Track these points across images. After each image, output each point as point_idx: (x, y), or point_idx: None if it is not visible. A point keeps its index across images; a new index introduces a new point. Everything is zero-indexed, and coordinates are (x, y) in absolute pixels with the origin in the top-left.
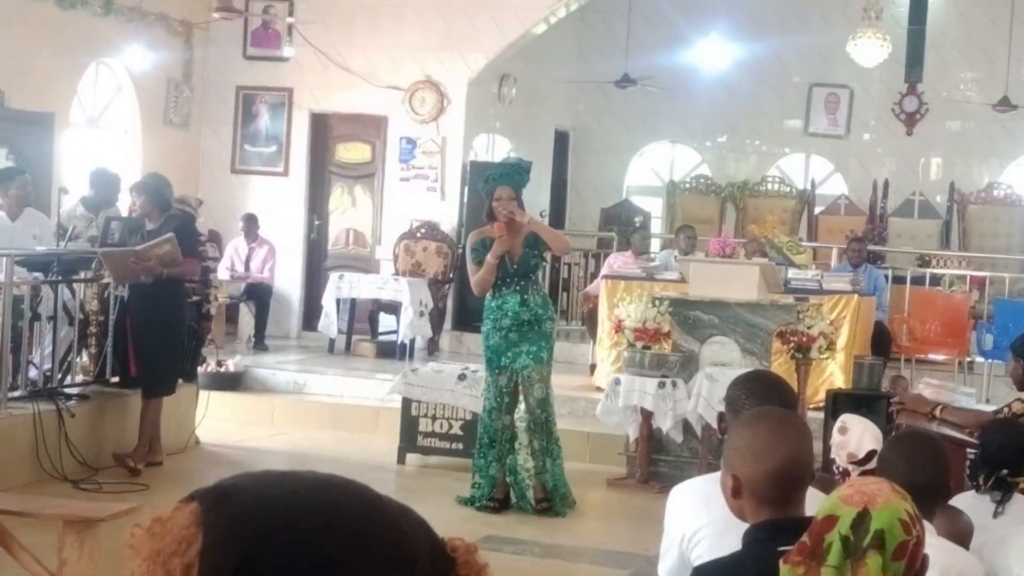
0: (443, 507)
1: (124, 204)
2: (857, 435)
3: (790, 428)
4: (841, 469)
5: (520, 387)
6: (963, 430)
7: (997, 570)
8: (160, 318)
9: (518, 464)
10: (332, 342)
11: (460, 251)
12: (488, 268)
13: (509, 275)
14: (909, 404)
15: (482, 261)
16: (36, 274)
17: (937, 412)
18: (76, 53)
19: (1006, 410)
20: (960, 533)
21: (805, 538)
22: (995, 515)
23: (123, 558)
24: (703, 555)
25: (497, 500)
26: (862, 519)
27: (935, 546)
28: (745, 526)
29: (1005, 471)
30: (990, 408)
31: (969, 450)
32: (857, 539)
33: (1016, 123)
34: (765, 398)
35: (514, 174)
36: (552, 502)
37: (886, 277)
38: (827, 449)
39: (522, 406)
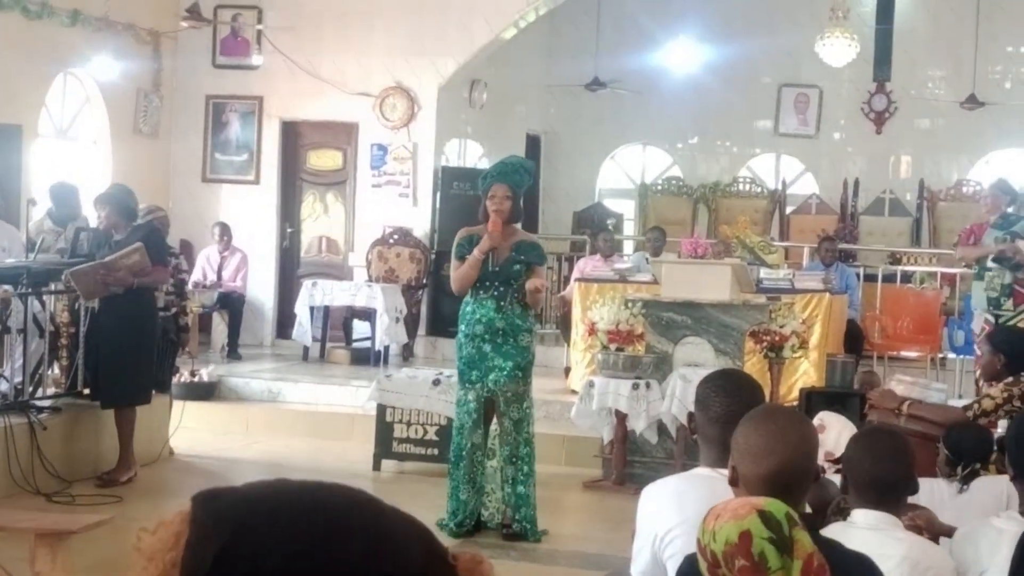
0: (419, 512)
1: (90, 214)
2: (835, 433)
3: (791, 432)
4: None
5: (494, 405)
6: (932, 425)
7: (966, 563)
8: (130, 328)
9: (488, 479)
10: (306, 350)
11: (433, 257)
12: (472, 263)
13: (488, 277)
14: (877, 400)
15: (465, 257)
16: (6, 286)
17: (904, 408)
18: (43, 64)
19: (976, 407)
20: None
21: (743, 562)
22: (960, 491)
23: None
24: (675, 554)
25: (470, 523)
26: (767, 517)
27: (903, 540)
28: None
29: (978, 464)
30: (960, 403)
31: (940, 445)
32: (779, 533)
33: (984, 120)
34: (734, 396)
35: (513, 173)
36: (517, 527)
37: (857, 275)
38: None
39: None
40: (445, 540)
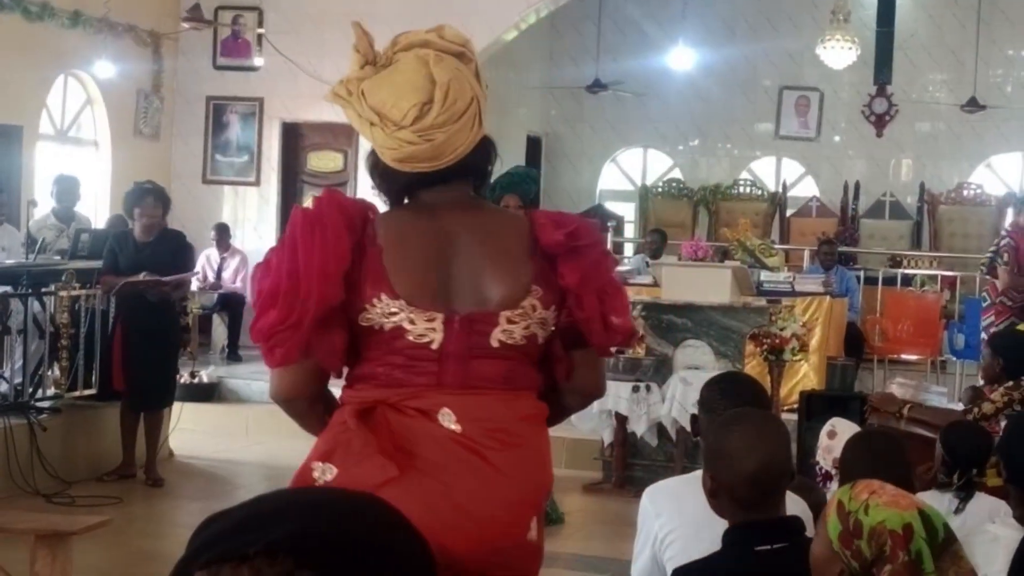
0: None
1: (86, 208)
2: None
3: (767, 431)
4: (823, 472)
5: None
6: (932, 428)
7: None
8: (163, 334)
9: None
10: None
11: None
12: None
13: None
14: (878, 403)
15: None
16: (5, 287)
17: (905, 411)
18: (44, 65)
19: (976, 411)
20: None
21: (903, 557)
22: (956, 511)
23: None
24: (676, 556)
25: None
26: (927, 520)
27: None
28: (719, 527)
29: (975, 471)
30: (960, 407)
31: (937, 444)
32: (933, 539)
33: (984, 124)
34: (739, 399)
35: (521, 183)
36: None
37: (858, 278)
38: (801, 451)
39: None
40: None
